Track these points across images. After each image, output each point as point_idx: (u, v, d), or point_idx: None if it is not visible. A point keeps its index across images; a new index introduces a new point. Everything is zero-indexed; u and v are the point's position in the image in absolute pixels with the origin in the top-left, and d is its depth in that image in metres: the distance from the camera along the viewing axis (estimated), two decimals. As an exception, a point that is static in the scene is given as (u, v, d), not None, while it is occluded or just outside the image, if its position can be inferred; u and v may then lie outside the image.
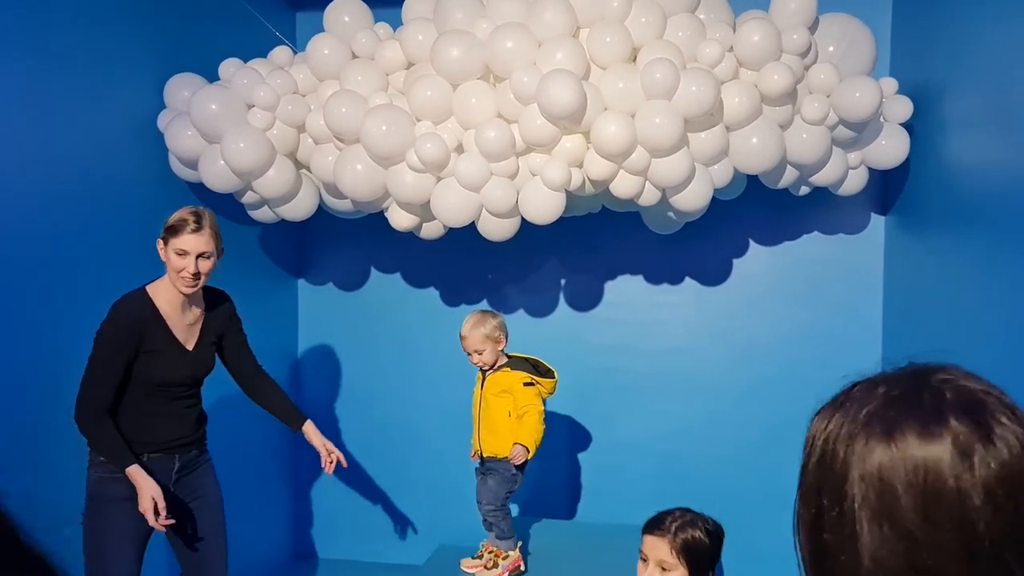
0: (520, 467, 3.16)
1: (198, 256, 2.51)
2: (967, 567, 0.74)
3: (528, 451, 3.08)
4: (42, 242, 2.78)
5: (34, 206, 2.76)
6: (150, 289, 2.59)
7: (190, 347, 2.68)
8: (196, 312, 2.71)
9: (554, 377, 3.20)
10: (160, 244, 2.54)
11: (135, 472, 2.48)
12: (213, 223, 2.58)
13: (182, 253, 2.49)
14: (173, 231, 2.50)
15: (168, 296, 2.59)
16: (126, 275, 2.71)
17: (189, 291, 2.57)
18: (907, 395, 0.80)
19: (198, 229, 2.51)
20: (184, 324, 2.66)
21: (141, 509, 2.47)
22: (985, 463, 0.74)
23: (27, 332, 2.72)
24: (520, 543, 3.28)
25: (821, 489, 0.81)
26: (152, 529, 2.55)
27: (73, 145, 2.94)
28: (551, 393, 3.23)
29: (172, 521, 2.52)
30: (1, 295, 2.63)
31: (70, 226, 2.91)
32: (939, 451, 0.75)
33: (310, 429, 2.95)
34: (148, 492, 2.46)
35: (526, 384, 3.12)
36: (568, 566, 3.36)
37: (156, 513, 2.46)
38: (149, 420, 2.63)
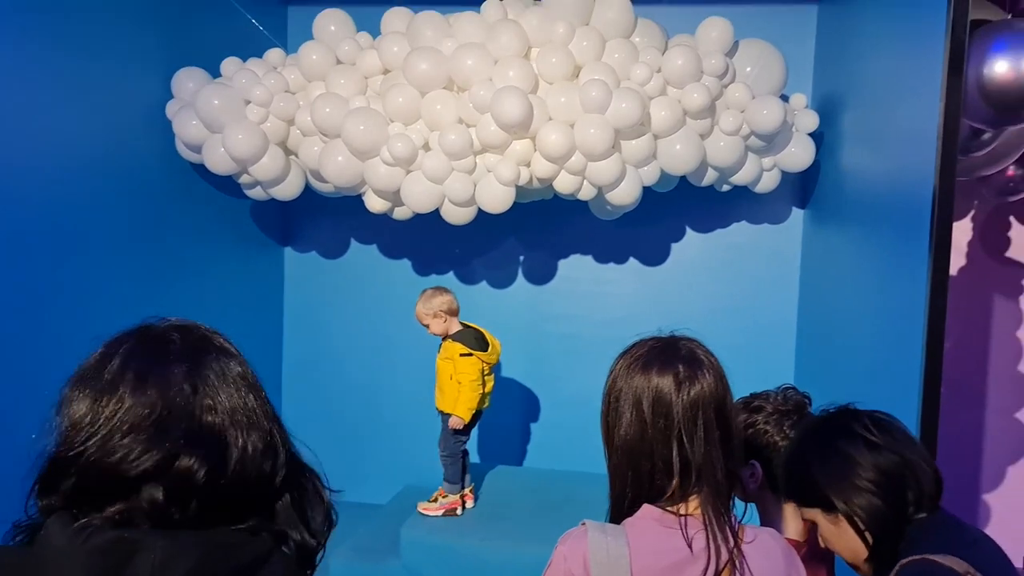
0: (462, 428, 3.65)
1: None
2: (667, 439, 1.40)
3: (463, 420, 3.59)
4: (60, 220, 3.15)
5: (55, 186, 3.13)
6: None
7: None
8: None
9: (487, 349, 3.62)
10: None
11: None
12: None
13: None
14: None
15: None
16: (138, 253, 3.03)
17: None
18: (662, 348, 1.47)
19: None
20: None
21: None
22: (688, 391, 1.40)
23: (46, 316, 3.01)
24: (463, 491, 3.74)
25: (610, 395, 1.47)
26: None
27: (92, 129, 3.35)
28: (493, 361, 3.68)
29: None
30: (19, 274, 2.95)
31: (87, 205, 3.29)
32: (666, 381, 1.41)
33: None
34: None
35: (462, 355, 3.59)
36: (516, 503, 3.90)
37: None
38: None
